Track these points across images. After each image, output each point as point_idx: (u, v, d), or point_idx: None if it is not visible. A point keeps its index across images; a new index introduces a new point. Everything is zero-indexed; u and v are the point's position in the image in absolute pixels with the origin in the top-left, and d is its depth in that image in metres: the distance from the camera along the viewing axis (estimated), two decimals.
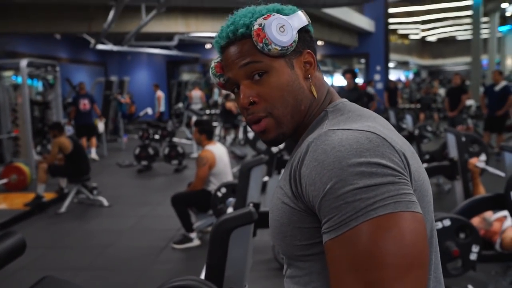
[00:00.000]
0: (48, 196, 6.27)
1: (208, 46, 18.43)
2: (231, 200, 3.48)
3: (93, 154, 10.21)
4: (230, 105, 11.63)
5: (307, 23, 0.96)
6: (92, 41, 12.94)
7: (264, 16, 0.92)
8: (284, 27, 0.91)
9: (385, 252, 0.71)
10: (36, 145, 9.45)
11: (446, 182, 6.37)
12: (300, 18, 0.95)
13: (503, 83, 8.81)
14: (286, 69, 0.92)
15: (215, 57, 1.04)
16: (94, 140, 10.35)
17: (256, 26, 0.91)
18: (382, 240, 0.71)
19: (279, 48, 0.90)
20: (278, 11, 0.95)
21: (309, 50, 0.96)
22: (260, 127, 0.93)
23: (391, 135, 0.83)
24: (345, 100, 0.98)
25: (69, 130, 9.98)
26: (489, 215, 3.17)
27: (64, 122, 10.43)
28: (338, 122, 0.86)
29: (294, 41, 0.91)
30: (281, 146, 4.63)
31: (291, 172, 0.85)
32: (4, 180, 6.95)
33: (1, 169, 7.31)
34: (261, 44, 0.90)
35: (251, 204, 2.74)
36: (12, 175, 6.98)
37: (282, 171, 4.67)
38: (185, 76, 22.06)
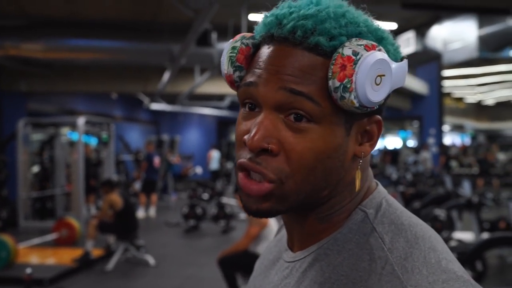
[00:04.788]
0: (96, 252, 6.26)
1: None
2: None
3: (152, 211, 10.26)
4: None
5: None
6: (146, 100, 13.37)
7: (366, 43, 0.56)
8: (383, 79, 0.57)
9: None
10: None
11: (509, 253, 5.95)
12: (404, 70, 0.60)
13: None
14: (340, 132, 0.59)
15: (244, 34, 0.65)
16: (154, 197, 10.43)
17: (346, 51, 0.56)
18: None
19: (357, 105, 0.56)
20: (381, 40, 0.60)
21: (379, 117, 0.62)
22: (255, 190, 0.59)
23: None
24: (381, 191, 0.67)
25: (137, 183, 10.18)
26: None
27: (134, 175, 10.76)
28: (406, 257, 0.57)
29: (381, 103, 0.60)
30: None
31: None
32: (55, 235, 7.02)
33: (52, 223, 7.41)
34: (337, 83, 0.56)
35: None
36: (62, 230, 7.05)
37: None
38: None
